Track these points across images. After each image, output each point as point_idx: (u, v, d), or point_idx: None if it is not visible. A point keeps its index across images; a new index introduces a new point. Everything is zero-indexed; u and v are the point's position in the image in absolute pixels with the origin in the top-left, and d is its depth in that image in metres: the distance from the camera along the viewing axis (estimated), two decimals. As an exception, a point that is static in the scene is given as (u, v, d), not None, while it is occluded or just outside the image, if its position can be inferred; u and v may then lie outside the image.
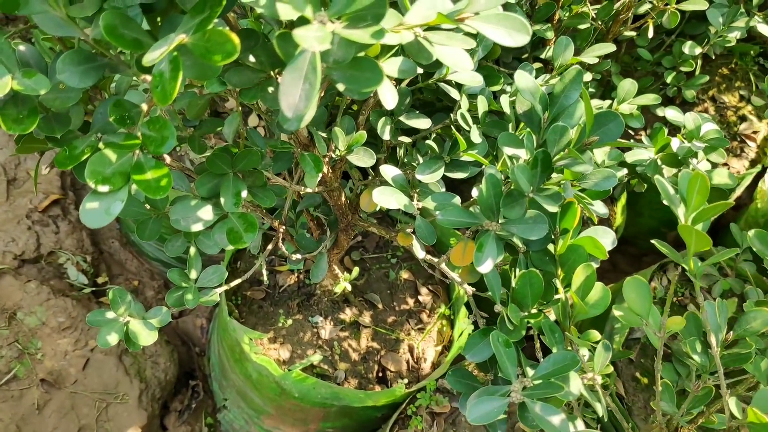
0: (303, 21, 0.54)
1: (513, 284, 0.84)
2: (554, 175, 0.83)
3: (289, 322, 1.56)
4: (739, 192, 1.92)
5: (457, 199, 1.01)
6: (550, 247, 0.88)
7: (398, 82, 1.12)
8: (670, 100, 1.58)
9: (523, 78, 0.79)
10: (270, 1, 0.61)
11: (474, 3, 0.63)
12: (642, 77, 1.48)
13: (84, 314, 1.77)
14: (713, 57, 1.57)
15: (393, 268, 1.75)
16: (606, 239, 0.88)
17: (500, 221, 0.78)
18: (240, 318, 1.56)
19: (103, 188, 0.67)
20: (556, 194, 0.76)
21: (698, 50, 1.41)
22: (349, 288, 1.43)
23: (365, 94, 0.87)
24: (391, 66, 0.74)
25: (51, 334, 1.70)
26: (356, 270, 1.45)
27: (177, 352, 1.86)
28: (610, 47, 1.09)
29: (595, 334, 0.92)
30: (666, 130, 1.16)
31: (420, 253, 1.07)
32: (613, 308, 0.82)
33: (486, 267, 0.75)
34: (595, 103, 1.29)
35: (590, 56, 1.07)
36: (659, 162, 1.15)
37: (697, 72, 1.47)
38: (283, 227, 1.21)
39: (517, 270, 0.86)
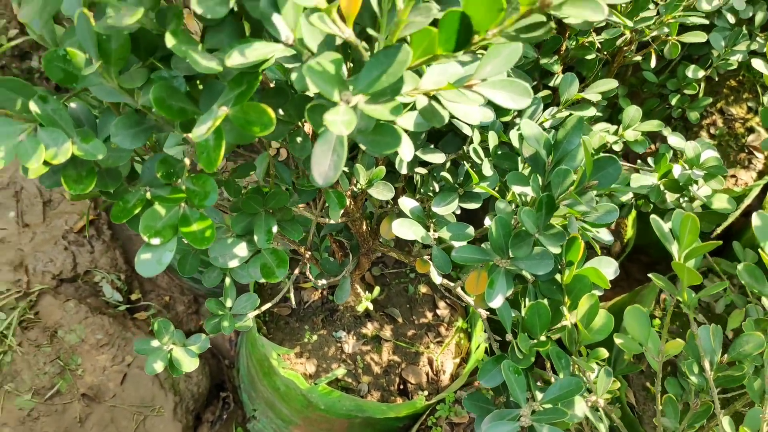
0: (330, 101, 0.62)
1: (522, 313, 0.92)
2: (563, 204, 0.90)
3: (315, 337, 1.64)
4: (748, 202, 1.98)
5: (471, 229, 1.09)
6: (558, 276, 0.95)
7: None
8: (678, 119, 1.64)
9: (528, 126, 0.86)
10: (300, 76, 0.69)
11: (481, 70, 0.70)
12: (648, 98, 1.54)
13: (120, 331, 1.87)
14: (716, 78, 1.62)
15: (412, 283, 1.82)
16: (608, 269, 0.95)
17: (510, 257, 0.86)
18: (268, 334, 1.65)
19: (155, 241, 0.75)
20: (560, 234, 0.84)
21: (701, 73, 1.47)
22: (370, 306, 1.51)
23: (386, 153, 0.95)
24: (407, 120, 0.82)
25: (90, 351, 1.80)
26: (377, 289, 1.53)
27: (208, 365, 1.96)
28: (612, 83, 1.15)
29: (603, 353, 0.99)
30: (669, 156, 1.23)
31: (437, 279, 1.15)
32: (615, 336, 0.89)
33: (497, 302, 0.83)
34: (602, 126, 1.35)
35: (593, 93, 1.14)
36: (662, 187, 1.21)
37: (701, 94, 1.53)
38: (309, 252, 1.30)
39: (527, 300, 0.93)
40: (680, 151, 1.23)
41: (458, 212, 1.16)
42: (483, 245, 0.90)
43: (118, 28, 0.64)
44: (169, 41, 0.67)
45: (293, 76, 0.70)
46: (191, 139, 0.79)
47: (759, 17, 1.52)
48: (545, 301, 0.89)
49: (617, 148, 1.34)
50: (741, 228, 2.11)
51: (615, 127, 1.35)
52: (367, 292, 1.55)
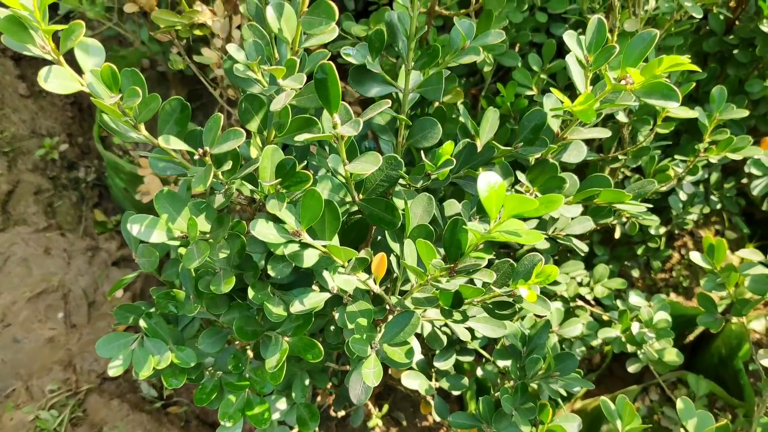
0: (363, 347, 0.88)
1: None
2: (533, 384, 1.17)
3: (330, 443, 1.89)
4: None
5: (465, 380, 1.35)
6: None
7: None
8: (646, 265, 1.92)
9: (509, 324, 1.13)
10: (342, 318, 0.96)
11: (471, 309, 0.98)
12: (618, 246, 1.82)
13: (156, 427, 2.11)
14: (676, 233, 1.91)
15: (415, 392, 2.07)
16: (572, 425, 1.21)
17: (494, 428, 1.12)
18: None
19: (228, 423, 1.02)
20: (531, 409, 1.10)
21: (663, 230, 1.75)
22: (380, 423, 1.76)
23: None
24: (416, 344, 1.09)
25: (131, 448, 2.04)
26: (386, 407, 1.79)
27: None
28: (580, 265, 1.43)
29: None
30: (630, 315, 1.50)
31: (438, 417, 1.40)
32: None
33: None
34: (580, 272, 1.62)
35: (562, 273, 1.42)
36: (623, 339, 1.48)
37: (662, 247, 1.80)
38: (331, 384, 1.56)
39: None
40: (638, 308, 1.50)
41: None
42: (473, 411, 1.16)
43: (218, 288, 0.90)
44: (251, 293, 0.95)
45: (336, 315, 0.97)
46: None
47: (714, 178, 1.81)
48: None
49: (589, 297, 1.62)
50: (712, 335, 2.35)
51: (588, 278, 1.63)
52: (377, 407, 1.80)
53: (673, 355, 1.43)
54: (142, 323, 1.02)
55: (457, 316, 0.92)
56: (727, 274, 1.31)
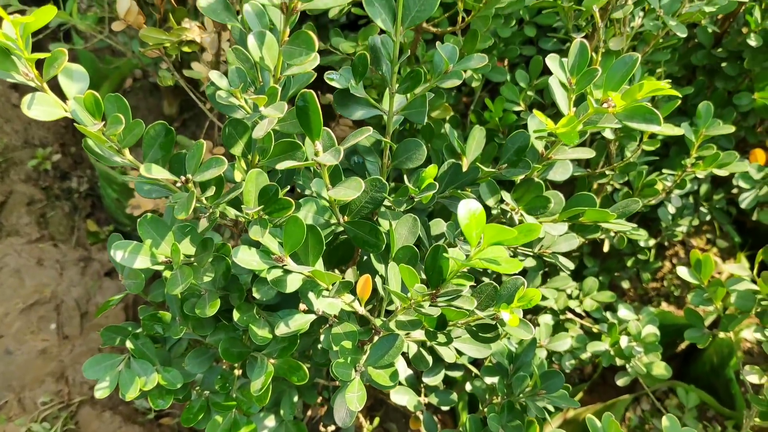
0: (346, 371, 0.89)
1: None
2: (520, 402, 1.17)
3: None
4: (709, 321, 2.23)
5: (454, 395, 1.36)
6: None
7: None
8: (637, 276, 1.92)
9: (495, 345, 1.14)
10: (327, 339, 0.96)
11: (455, 330, 0.98)
12: (608, 259, 1.82)
13: (149, 439, 2.11)
14: (666, 244, 1.91)
15: (408, 402, 2.07)
16: (560, 442, 1.22)
17: (480, 445, 1.13)
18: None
19: (215, 445, 1.02)
20: (518, 427, 1.10)
21: (652, 242, 1.76)
22: (371, 435, 1.76)
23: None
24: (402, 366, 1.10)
25: (124, 460, 2.04)
26: (377, 420, 1.79)
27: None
28: (568, 280, 1.44)
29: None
30: (618, 329, 1.50)
31: (427, 434, 1.41)
32: None
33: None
34: (571, 283, 1.63)
35: (550, 288, 1.43)
36: (612, 353, 1.48)
37: (651, 259, 1.81)
38: (321, 398, 1.56)
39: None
40: (627, 321, 1.50)
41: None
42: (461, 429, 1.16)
43: (203, 311, 0.91)
44: (236, 315, 0.95)
45: (322, 337, 0.97)
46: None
47: (703, 189, 1.82)
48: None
49: (578, 310, 1.62)
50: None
51: (577, 290, 1.63)
52: (368, 420, 1.80)
53: (661, 369, 1.43)
54: (128, 344, 1.02)
55: (441, 338, 0.92)
56: (714, 289, 1.32)
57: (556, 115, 1.38)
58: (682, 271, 1.32)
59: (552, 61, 0.92)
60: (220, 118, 1.83)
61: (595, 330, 1.64)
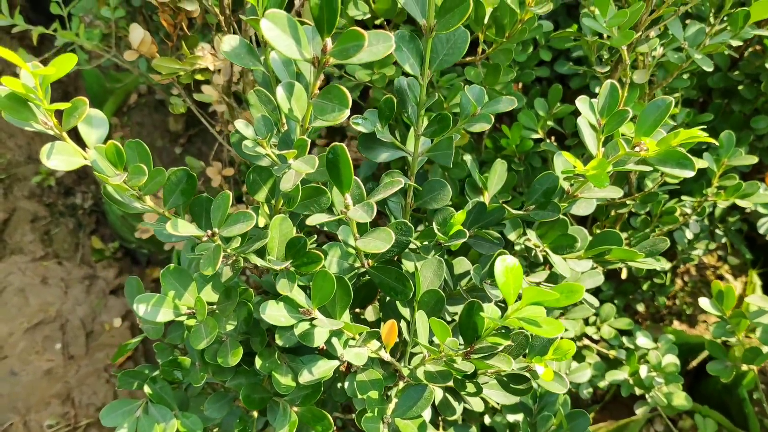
0: (375, 425, 0.87)
1: None
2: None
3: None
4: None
5: (474, 429, 1.33)
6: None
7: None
8: (651, 298, 1.91)
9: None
10: (351, 387, 0.93)
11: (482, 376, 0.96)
12: (623, 282, 1.80)
13: (156, 462, 2.09)
14: (680, 267, 1.89)
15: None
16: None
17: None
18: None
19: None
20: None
21: (668, 266, 1.74)
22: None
23: None
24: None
25: (132, 485, 2.01)
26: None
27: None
28: (589, 311, 1.42)
29: None
30: (637, 357, 1.48)
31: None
32: None
33: None
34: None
35: (570, 319, 1.41)
36: (631, 382, 1.46)
37: (667, 283, 1.79)
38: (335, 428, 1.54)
39: None
40: (646, 349, 1.48)
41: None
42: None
43: (225, 360, 0.89)
44: (258, 362, 0.92)
45: (346, 384, 0.95)
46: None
47: (718, 211, 1.80)
48: None
49: (595, 336, 1.60)
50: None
51: (594, 316, 1.61)
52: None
53: (681, 400, 1.41)
54: (146, 389, 1.00)
55: (470, 387, 0.90)
56: (737, 320, 1.30)
57: (577, 145, 1.36)
58: (704, 303, 1.30)
59: (582, 103, 0.90)
60: (228, 139, 1.81)
61: (611, 356, 1.62)
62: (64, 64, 0.73)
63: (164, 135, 2.51)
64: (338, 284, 0.80)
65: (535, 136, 1.40)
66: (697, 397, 2.05)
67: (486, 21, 1.17)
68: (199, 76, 1.35)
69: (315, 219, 0.73)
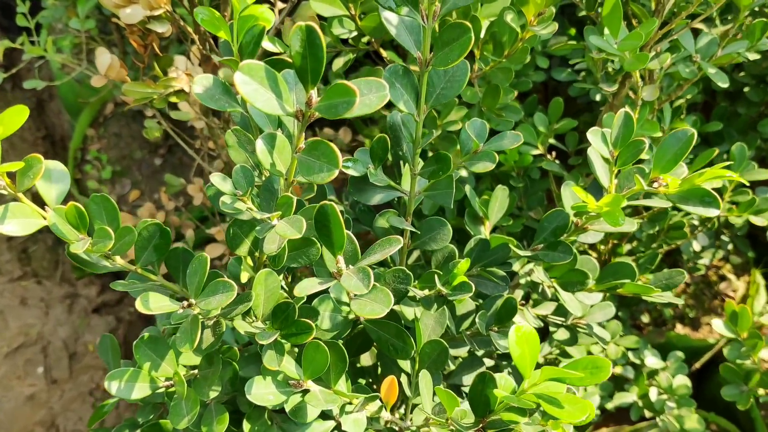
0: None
1: None
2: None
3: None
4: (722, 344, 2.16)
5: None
6: None
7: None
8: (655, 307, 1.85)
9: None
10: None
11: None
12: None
13: (147, 490, 2.01)
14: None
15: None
16: None
17: None
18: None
19: None
20: None
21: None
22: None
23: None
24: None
25: None
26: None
27: None
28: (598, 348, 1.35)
29: None
30: (645, 375, 1.42)
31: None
32: None
33: None
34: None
35: (579, 347, 1.34)
36: (641, 404, 1.40)
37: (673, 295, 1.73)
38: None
39: None
40: (655, 369, 1.42)
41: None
42: None
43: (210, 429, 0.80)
44: (246, 426, 0.84)
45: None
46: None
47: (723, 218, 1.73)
48: None
49: (602, 355, 1.53)
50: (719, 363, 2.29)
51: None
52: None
53: (694, 422, 1.35)
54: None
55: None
56: (753, 342, 1.23)
57: (582, 165, 1.28)
58: (717, 325, 1.23)
59: (594, 135, 0.82)
60: (208, 158, 1.71)
61: (616, 372, 1.55)
62: (13, 119, 0.64)
63: (143, 146, 2.41)
64: (332, 351, 0.72)
65: (535, 152, 1.32)
66: (702, 400, 1.99)
67: (483, 35, 1.08)
68: (174, 99, 1.25)
69: (304, 288, 0.65)
